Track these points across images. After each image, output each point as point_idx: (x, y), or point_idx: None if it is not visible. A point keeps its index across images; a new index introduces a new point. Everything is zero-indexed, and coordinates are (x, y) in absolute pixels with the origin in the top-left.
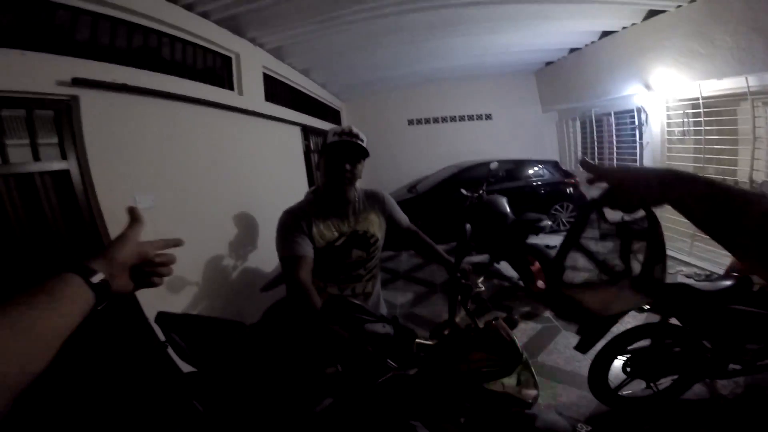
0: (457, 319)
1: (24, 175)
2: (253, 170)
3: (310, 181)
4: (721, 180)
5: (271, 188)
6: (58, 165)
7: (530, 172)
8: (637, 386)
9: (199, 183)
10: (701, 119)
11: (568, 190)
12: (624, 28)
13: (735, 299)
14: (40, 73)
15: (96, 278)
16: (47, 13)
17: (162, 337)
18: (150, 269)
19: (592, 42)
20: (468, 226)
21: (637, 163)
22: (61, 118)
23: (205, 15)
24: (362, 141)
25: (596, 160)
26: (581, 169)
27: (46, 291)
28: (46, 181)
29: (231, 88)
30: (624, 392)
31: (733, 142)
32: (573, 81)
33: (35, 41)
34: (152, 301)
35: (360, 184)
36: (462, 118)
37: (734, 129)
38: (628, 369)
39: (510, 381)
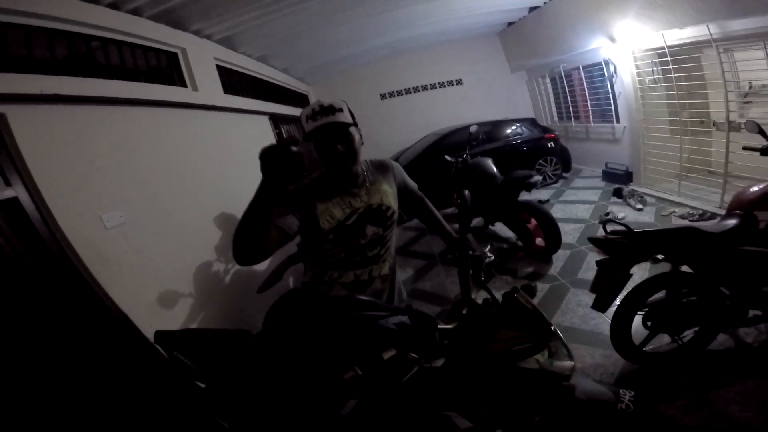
0: (473, 295)
1: None
2: (225, 167)
3: None
4: None
5: (248, 183)
6: (3, 193)
7: (509, 131)
8: (661, 341)
9: (170, 189)
10: (670, 67)
11: (549, 145)
12: None
13: (743, 240)
14: None
15: None
16: None
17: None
18: None
19: None
20: (467, 192)
21: (613, 113)
22: None
23: (135, 12)
24: (341, 111)
25: (572, 113)
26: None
27: None
28: None
29: (183, 85)
30: (649, 348)
31: (702, 86)
32: (537, 39)
33: None
34: (147, 319)
35: None
36: (434, 86)
37: (701, 75)
38: (649, 324)
39: (543, 355)
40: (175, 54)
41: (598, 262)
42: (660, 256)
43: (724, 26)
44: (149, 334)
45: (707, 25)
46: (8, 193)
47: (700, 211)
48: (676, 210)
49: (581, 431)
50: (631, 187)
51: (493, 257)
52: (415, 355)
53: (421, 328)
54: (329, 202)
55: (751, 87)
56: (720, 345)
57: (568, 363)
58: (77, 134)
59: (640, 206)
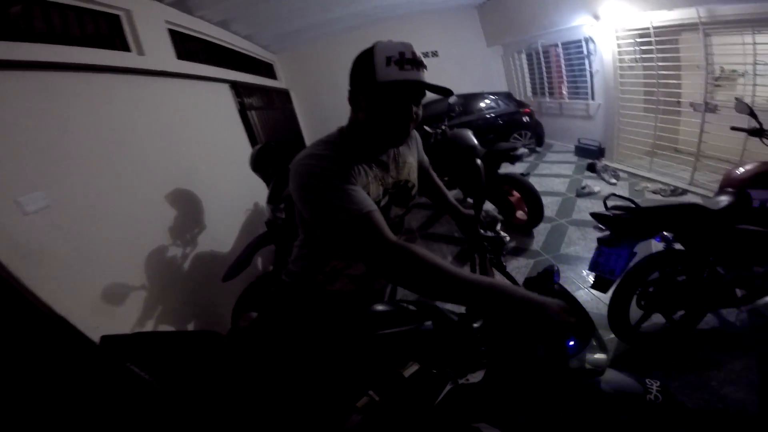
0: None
1: None
2: (180, 136)
3: (252, 141)
4: None
5: (209, 155)
6: None
7: (485, 104)
8: (655, 321)
9: (110, 164)
10: (653, 47)
11: (524, 119)
12: None
13: (739, 218)
14: None
15: None
16: None
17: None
18: None
19: None
20: (480, 162)
21: (589, 91)
22: None
23: None
24: (426, 69)
25: (546, 89)
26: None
27: None
28: None
29: (127, 49)
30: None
31: (677, 68)
32: (517, 13)
33: None
34: (93, 320)
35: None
36: None
37: (677, 56)
38: (643, 303)
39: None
40: (117, 16)
41: (599, 239)
42: (669, 234)
43: (712, 11)
44: (97, 338)
45: (697, 9)
46: None
47: (672, 187)
48: (649, 185)
49: (610, 426)
50: (604, 162)
51: (509, 238)
52: (442, 370)
53: (451, 333)
54: (367, 176)
55: (722, 71)
56: (706, 325)
57: (602, 356)
58: None
59: (614, 181)
